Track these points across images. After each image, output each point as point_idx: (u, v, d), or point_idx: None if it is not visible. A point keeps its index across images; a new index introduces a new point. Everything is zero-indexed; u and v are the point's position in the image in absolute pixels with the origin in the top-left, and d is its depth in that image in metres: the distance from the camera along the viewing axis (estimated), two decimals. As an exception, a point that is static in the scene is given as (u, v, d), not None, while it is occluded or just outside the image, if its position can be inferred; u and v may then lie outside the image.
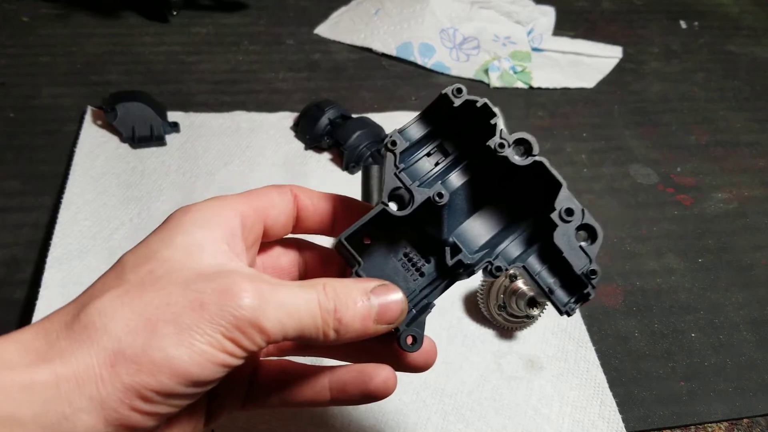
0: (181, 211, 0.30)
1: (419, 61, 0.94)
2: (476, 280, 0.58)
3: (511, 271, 0.55)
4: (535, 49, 0.98)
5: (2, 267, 0.60)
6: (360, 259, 0.32)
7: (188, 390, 0.26)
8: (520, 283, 0.55)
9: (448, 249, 0.33)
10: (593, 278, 0.32)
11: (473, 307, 0.59)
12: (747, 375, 0.58)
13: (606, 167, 0.80)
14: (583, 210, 0.32)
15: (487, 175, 0.34)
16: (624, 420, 0.53)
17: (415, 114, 0.34)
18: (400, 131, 0.32)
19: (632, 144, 0.84)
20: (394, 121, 0.80)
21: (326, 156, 0.76)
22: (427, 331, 0.33)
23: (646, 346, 0.59)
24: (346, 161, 0.73)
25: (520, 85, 0.93)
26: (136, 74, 0.87)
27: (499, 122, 0.32)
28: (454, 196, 0.33)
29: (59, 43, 0.91)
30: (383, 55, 0.95)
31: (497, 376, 0.55)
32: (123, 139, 0.73)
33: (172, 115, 0.77)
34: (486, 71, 0.93)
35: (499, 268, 0.32)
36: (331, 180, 0.72)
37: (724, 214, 0.75)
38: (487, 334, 0.58)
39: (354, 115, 0.77)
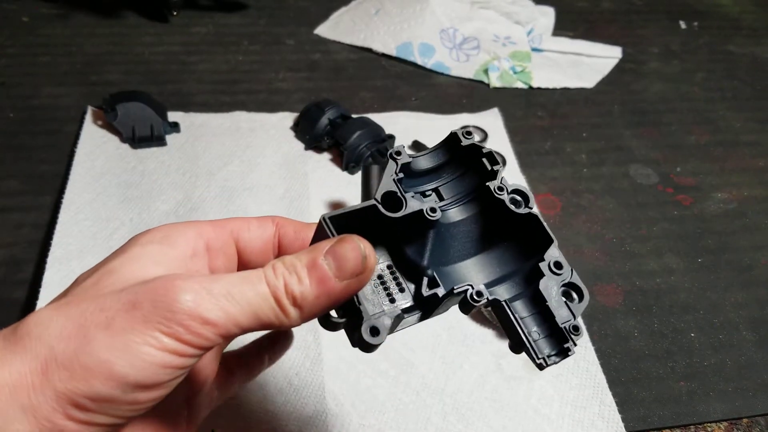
0: (144, 231, 0.30)
1: (419, 61, 0.94)
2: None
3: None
4: (534, 49, 0.98)
5: (2, 267, 0.60)
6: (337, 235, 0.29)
7: (130, 396, 0.24)
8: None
9: (425, 279, 0.31)
10: (575, 335, 0.31)
11: (473, 307, 0.59)
12: (746, 375, 0.58)
13: (606, 167, 0.80)
14: (572, 269, 0.32)
15: (485, 219, 0.33)
16: (623, 420, 0.53)
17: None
18: (410, 156, 0.32)
19: (632, 144, 0.84)
20: (394, 121, 0.80)
21: (326, 156, 0.76)
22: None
23: (646, 345, 0.59)
24: (346, 161, 0.73)
25: (520, 85, 0.93)
26: (136, 74, 0.87)
27: (501, 169, 0.33)
28: (448, 228, 0.32)
29: (59, 43, 0.91)
30: (383, 55, 0.95)
31: (497, 376, 0.55)
32: (123, 139, 0.73)
33: (172, 115, 0.77)
34: (486, 71, 0.93)
35: (480, 293, 0.30)
36: (331, 180, 0.72)
37: (724, 214, 0.75)
38: (487, 334, 0.58)
39: (354, 115, 0.77)
